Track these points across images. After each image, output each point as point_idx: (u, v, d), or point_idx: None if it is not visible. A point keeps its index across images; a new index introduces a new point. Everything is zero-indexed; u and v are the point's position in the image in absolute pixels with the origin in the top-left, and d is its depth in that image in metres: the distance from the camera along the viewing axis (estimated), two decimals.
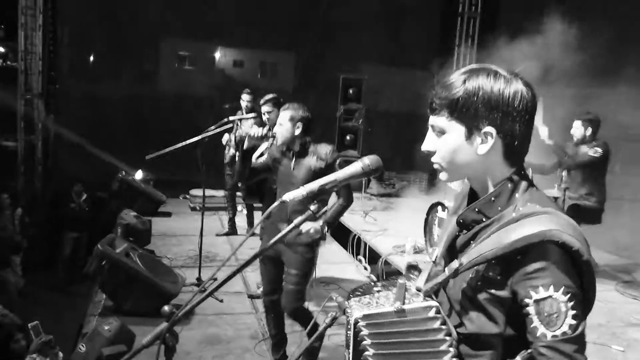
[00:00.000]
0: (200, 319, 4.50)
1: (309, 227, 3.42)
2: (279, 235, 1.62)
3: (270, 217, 3.63)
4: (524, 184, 1.40)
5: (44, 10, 7.99)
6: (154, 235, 6.48)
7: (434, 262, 1.58)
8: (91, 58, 10.02)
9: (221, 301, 4.77)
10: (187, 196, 8.69)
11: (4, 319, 4.02)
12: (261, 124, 5.23)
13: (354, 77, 9.71)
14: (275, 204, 1.61)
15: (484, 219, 1.40)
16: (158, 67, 10.75)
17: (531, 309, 1.28)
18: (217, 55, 10.91)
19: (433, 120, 1.43)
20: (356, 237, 6.53)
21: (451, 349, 1.36)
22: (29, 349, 3.80)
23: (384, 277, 5.56)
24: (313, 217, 1.61)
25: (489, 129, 1.36)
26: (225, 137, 6.42)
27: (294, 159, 3.60)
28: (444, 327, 1.38)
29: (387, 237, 6.46)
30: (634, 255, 6.23)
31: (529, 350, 1.32)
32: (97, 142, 8.88)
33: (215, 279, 1.74)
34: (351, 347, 1.52)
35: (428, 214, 5.74)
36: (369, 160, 1.61)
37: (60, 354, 3.69)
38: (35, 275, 6.36)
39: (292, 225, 1.60)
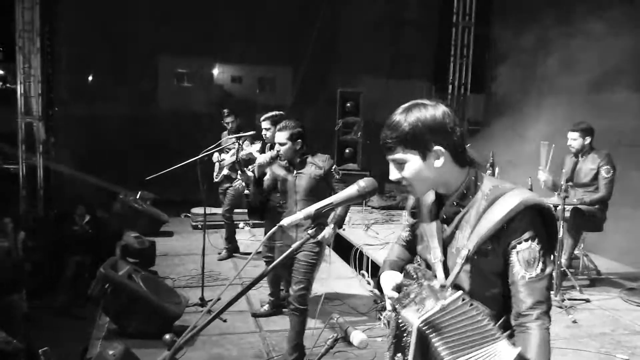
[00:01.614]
0: (204, 339, 4.49)
1: (324, 233, 3.87)
2: (280, 258, 1.64)
3: (273, 239, 4.27)
4: (480, 174, 1.79)
5: (41, 32, 8.04)
6: (157, 256, 6.48)
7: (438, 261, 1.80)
8: (89, 78, 10.08)
9: (225, 321, 4.76)
10: (189, 215, 8.69)
11: (7, 347, 4.01)
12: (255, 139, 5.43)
13: (352, 91, 9.75)
14: (274, 229, 1.63)
15: (461, 209, 1.76)
16: (156, 85, 10.79)
17: (514, 259, 1.66)
18: (215, 71, 10.97)
19: (392, 157, 1.75)
20: (358, 251, 6.53)
21: (499, 332, 1.55)
22: None
23: None
24: (311, 238, 1.63)
25: (437, 147, 1.71)
26: (215, 156, 6.49)
27: (295, 172, 4.10)
28: (481, 308, 1.59)
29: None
30: (637, 262, 6.21)
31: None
32: (97, 163, 8.89)
33: (219, 299, 1.75)
34: (414, 350, 1.61)
35: None
36: (364, 183, 1.64)
37: None
38: (39, 299, 6.35)
39: (289, 250, 1.62)
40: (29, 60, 8.08)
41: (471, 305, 1.57)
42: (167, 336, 1.52)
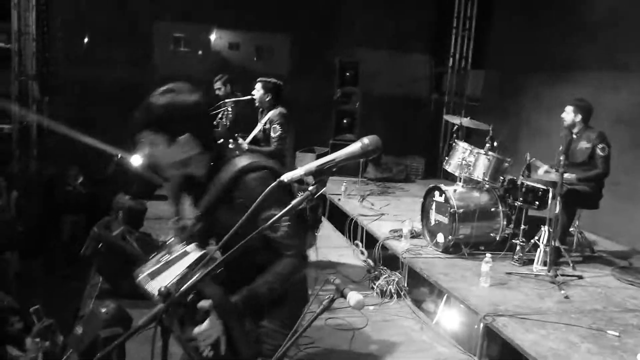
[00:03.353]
0: None
1: None
2: (277, 215, 1.60)
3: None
4: (228, 154, 2.02)
5: None
6: (150, 219, 6.44)
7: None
8: (85, 40, 9.89)
9: None
10: None
11: (2, 304, 4.00)
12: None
13: (351, 60, 9.65)
14: (273, 184, 1.59)
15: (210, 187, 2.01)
16: (153, 49, 10.61)
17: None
18: (213, 37, 10.79)
19: (140, 138, 1.87)
20: (353, 221, 6.52)
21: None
22: (26, 332, 3.78)
23: (381, 261, 5.55)
24: (312, 197, 1.58)
25: (184, 135, 1.87)
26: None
27: None
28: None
29: (384, 221, 6.45)
30: (631, 241, 6.24)
31: None
32: (91, 125, 8.78)
33: (212, 259, 1.72)
34: None
35: (425, 198, 5.73)
36: (368, 140, 1.59)
37: (61, 338, 3.68)
38: (32, 258, 6.33)
39: (289, 206, 1.58)
40: (25, 18, 7.91)
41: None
42: (162, 288, 1.49)
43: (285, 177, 1.58)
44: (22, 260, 6.11)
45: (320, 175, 1.58)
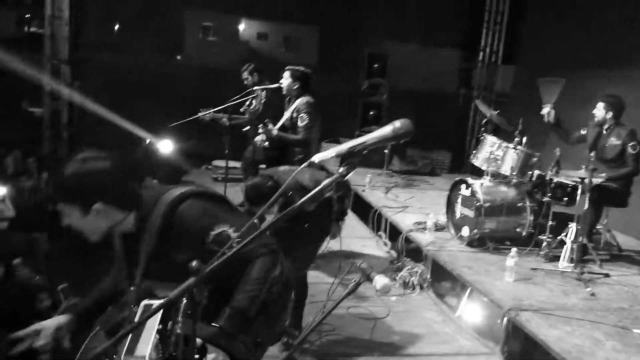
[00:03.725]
0: None
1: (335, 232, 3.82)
2: (307, 197, 1.60)
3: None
4: (150, 202, 1.98)
5: None
6: None
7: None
8: (116, 26, 10.02)
9: None
10: (210, 167, 8.72)
11: (30, 282, 4.10)
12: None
13: (379, 53, 9.62)
14: (303, 165, 1.60)
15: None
16: (182, 37, 10.71)
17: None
18: (241, 27, 10.83)
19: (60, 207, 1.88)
20: (377, 212, 6.51)
21: None
22: (54, 309, 3.87)
23: (404, 252, 5.53)
24: (341, 179, 1.59)
25: (98, 204, 1.86)
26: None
27: None
28: None
29: (409, 213, 6.43)
30: None
31: None
32: (120, 110, 8.88)
33: (240, 240, 1.72)
34: None
35: (451, 191, 5.69)
36: (399, 124, 1.57)
37: None
38: (61, 239, 6.46)
39: (320, 186, 1.59)
40: (58, 3, 8.04)
41: None
42: (194, 263, 1.51)
43: (316, 157, 1.58)
44: (51, 240, 6.23)
45: (351, 157, 1.58)
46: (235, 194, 7.41)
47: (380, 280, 1.84)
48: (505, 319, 3.99)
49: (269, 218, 1.64)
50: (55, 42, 8.01)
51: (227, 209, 2.09)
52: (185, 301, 1.78)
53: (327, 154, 1.59)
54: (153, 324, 1.82)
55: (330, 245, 5.73)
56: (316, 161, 1.59)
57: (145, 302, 1.93)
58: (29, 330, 2.06)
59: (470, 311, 4.54)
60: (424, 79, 10.37)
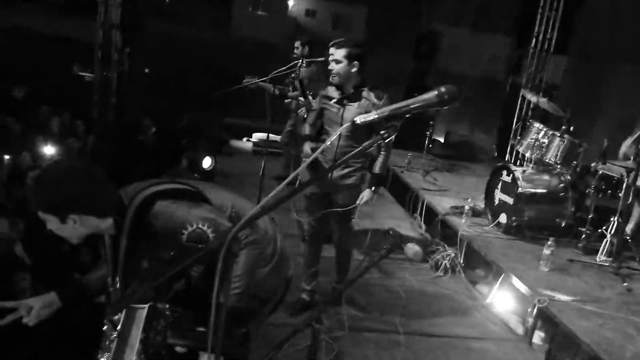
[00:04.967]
0: None
1: (365, 196, 3.67)
2: (357, 150, 1.61)
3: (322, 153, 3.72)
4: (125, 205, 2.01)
5: None
6: (216, 175, 6.63)
7: None
8: None
9: None
10: (250, 139, 8.81)
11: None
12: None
13: (429, 35, 9.48)
14: (346, 125, 1.61)
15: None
16: (231, 10, 10.77)
17: None
18: (291, 2, 10.82)
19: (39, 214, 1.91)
20: (414, 194, 6.47)
21: None
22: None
23: (439, 236, 5.49)
24: (382, 141, 1.59)
25: (73, 214, 1.88)
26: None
27: (345, 102, 3.63)
28: None
29: (447, 197, 6.37)
30: None
31: None
32: (169, 80, 9.05)
33: (215, 236, 1.77)
34: None
35: (492, 176, 5.61)
36: (445, 89, 1.56)
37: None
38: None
39: (360, 147, 1.60)
40: None
41: None
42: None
43: (359, 118, 1.59)
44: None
45: (393, 119, 1.59)
46: (274, 167, 7.51)
47: (412, 248, 1.86)
48: (536, 308, 3.94)
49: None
50: (108, 7, 8.16)
51: (200, 204, 2.08)
52: (169, 313, 1.85)
53: (370, 116, 1.60)
54: (137, 333, 1.89)
55: (364, 224, 5.77)
56: (358, 121, 1.60)
57: (130, 306, 1.97)
58: (16, 303, 2.10)
59: (502, 298, 4.49)
60: (474, 64, 10.19)
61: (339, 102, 3.66)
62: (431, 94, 1.58)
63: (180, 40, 9.68)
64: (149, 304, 1.95)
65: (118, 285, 2.08)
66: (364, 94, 3.60)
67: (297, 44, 6.55)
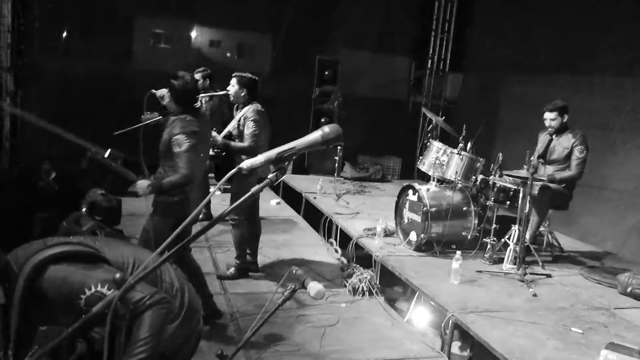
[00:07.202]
0: None
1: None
2: (240, 200, 1.60)
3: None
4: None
5: None
6: (122, 215, 6.39)
7: None
8: (64, 33, 9.76)
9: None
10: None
11: None
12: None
13: (331, 59, 9.70)
14: (233, 171, 1.59)
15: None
16: (132, 44, 10.51)
17: None
18: (193, 34, 10.72)
19: None
20: (328, 219, 6.53)
21: None
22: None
23: (354, 260, 5.56)
24: (272, 184, 1.59)
25: None
26: None
27: None
28: None
29: (359, 220, 6.47)
30: (600, 242, 6.34)
31: None
32: (66, 119, 8.62)
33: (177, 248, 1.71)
34: None
35: (399, 196, 5.77)
36: (329, 129, 1.59)
37: None
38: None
39: (250, 192, 1.58)
40: (0, 8, 7.79)
41: None
42: (117, 275, 1.49)
43: (245, 164, 1.58)
44: None
45: (280, 162, 1.59)
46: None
47: (314, 287, 1.84)
48: (450, 322, 4.05)
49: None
50: None
51: (97, 265, 1.99)
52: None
53: (257, 160, 1.59)
54: None
55: (280, 254, 5.74)
56: (245, 167, 1.58)
57: None
58: None
59: (419, 315, 4.60)
60: (376, 86, 10.49)
61: None
62: (316, 135, 1.59)
63: (78, 77, 9.28)
64: None
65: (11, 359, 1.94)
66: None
67: (197, 76, 6.46)
